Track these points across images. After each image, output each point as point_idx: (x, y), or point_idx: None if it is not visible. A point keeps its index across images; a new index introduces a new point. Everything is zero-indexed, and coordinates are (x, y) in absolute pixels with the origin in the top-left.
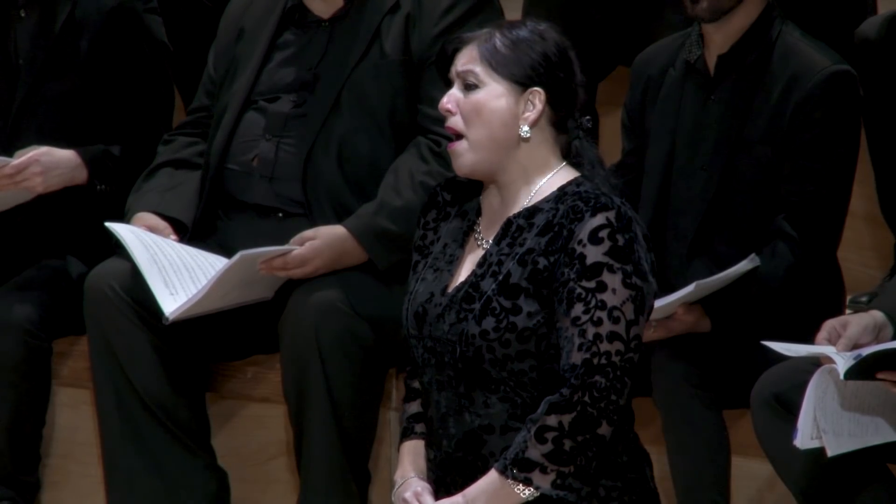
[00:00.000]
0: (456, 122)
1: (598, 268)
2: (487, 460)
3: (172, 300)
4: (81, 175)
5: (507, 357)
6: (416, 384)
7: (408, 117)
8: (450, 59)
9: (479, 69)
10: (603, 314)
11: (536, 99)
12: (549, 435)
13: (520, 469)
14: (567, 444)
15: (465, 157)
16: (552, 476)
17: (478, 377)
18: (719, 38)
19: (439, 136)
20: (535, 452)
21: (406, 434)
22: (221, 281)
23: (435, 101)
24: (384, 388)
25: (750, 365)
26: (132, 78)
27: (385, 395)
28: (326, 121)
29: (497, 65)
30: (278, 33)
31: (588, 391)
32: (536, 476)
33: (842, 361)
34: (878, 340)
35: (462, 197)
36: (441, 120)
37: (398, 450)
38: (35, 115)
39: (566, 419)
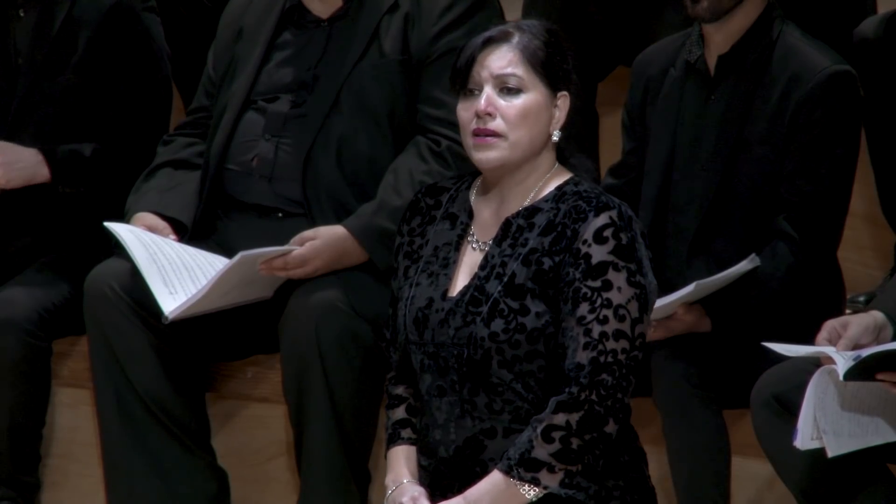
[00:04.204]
0: (498, 125)
1: (603, 266)
2: (486, 465)
3: (172, 299)
4: (43, 173)
5: (517, 358)
6: (399, 391)
7: (407, 117)
8: (473, 60)
9: (522, 72)
10: (609, 312)
11: (563, 103)
12: (557, 434)
13: (526, 469)
14: (575, 442)
15: (501, 153)
16: (560, 475)
17: (482, 381)
18: (720, 38)
19: (438, 136)
20: (542, 452)
21: (393, 440)
22: (221, 281)
23: (434, 101)
24: (384, 388)
25: (750, 365)
26: (127, 78)
27: (385, 395)
28: (326, 121)
29: (539, 68)
30: (277, 33)
31: (595, 389)
32: (544, 475)
33: (842, 362)
34: (878, 341)
35: (445, 201)
36: (440, 119)
37: (385, 456)
38: (34, 114)
39: (574, 418)
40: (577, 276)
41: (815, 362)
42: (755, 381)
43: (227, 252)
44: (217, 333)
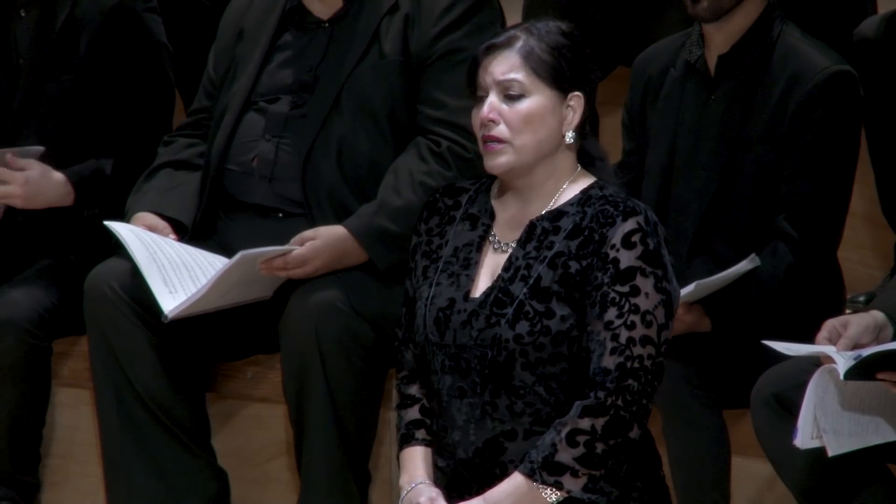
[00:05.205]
0: (501, 131)
1: (631, 272)
2: (506, 467)
3: (172, 298)
4: (68, 199)
5: (540, 360)
6: (412, 390)
7: (407, 118)
8: (477, 65)
9: (523, 77)
10: (636, 318)
11: (576, 103)
12: (581, 438)
13: (550, 472)
14: (599, 447)
15: (506, 158)
16: (584, 480)
17: (504, 382)
18: (720, 38)
19: (438, 137)
20: (566, 456)
21: (407, 440)
22: (221, 280)
23: (434, 102)
24: (384, 388)
25: (750, 365)
26: (131, 78)
27: (385, 395)
28: (326, 121)
29: (542, 72)
30: (278, 34)
31: (622, 395)
32: (567, 479)
33: (842, 361)
34: (878, 340)
35: (464, 202)
36: (440, 120)
37: (398, 457)
38: (35, 115)
39: (599, 423)
40: (606, 280)
41: (815, 362)
42: (755, 381)
43: (228, 252)
44: (217, 333)
